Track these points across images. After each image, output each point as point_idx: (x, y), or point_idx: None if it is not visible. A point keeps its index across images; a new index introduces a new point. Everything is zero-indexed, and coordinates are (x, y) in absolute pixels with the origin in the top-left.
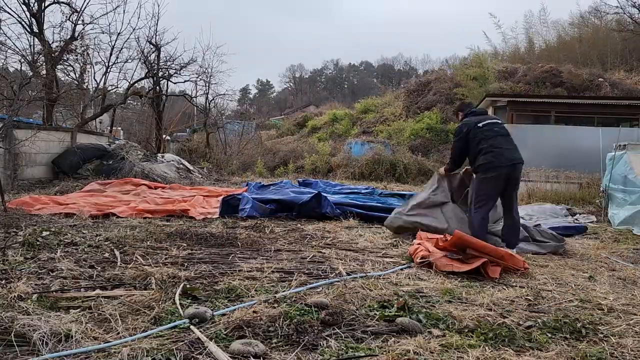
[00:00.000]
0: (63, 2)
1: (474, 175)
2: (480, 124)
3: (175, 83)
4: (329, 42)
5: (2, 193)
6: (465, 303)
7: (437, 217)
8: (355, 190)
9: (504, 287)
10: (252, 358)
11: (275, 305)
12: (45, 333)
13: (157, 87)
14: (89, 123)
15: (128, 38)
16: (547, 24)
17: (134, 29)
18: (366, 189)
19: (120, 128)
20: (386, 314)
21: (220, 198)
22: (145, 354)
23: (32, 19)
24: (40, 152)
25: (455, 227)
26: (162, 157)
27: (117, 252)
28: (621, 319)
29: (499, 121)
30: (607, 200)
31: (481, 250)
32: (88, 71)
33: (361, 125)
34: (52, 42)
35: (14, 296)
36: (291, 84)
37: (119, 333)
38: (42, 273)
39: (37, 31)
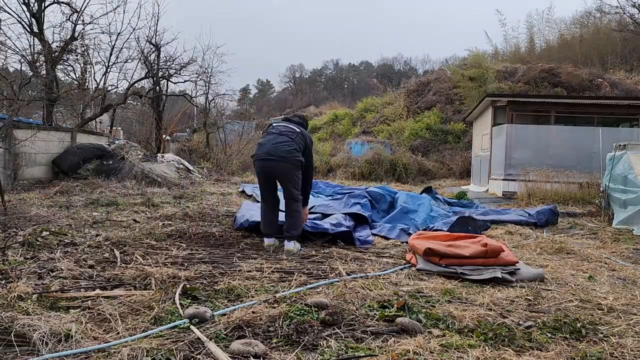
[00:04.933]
0: (63, 2)
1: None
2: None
3: (175, 83)
4: (329, 41)
5: (2, 193)
6: (465, 303)
7: None
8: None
9: (504, 287)
10: (252, 358)
11: (275, 305)
12: (45, 333)
13: (157, 87)
14: (89, 123)
15: (128, 38)
16: (550, 22)
17: (134, 29)
18: (365, 189)
19: (120, 128)
20: (386, 314)
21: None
22: (145, 354)
23: (32, 19)
24: (40, 152)
25: None
26: (162, 157)
27: (117, 252)
28: (621, 319)
29: (292, 126)
30: (607, 200)
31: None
32: (88, 71)
33: (361, 125)
34: (52, 42)
35: (14, 296)
36: (291, 84)
37: (119, 333)
38: (42, 273)
39: (37, 31)
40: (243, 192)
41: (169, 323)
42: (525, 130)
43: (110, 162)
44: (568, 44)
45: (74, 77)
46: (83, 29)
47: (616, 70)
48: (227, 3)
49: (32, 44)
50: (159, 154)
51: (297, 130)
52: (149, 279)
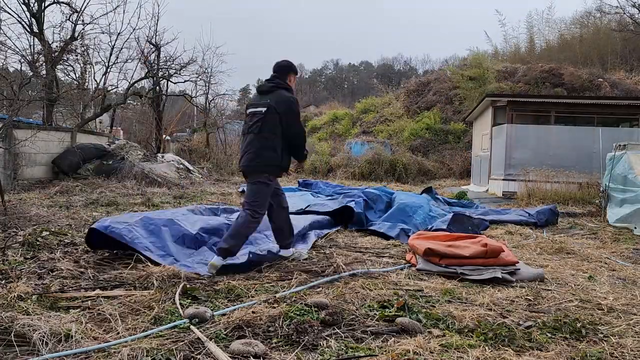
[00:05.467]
0: (63, 2)
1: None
2: (248, 110)
3: (175, 83)
4: (329, 41)
5: (2, 193)
6: (465, 303)
7: None
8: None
9: (504, 287)
10: (252, 358)
11: (275, 305)
12: (45, 333)
13: (157, 87)
14: (89, 123)
15: (128, 38)
16: (550, 22)
17: (134, 29)
18: (363, 189)
19: (120, 128)
20: (386, 314)
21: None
22: (145, 354)
23: (32, 19)
24: (40, 152)
25: None
26: (162, 157)
27: (117, 252)
28: (621, 319)
29: (263, 108)
30: (607, 200)
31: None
32: (88, 71)
33: (361, 125)
34: (52, 42)
35: (14, 296)
36: None
37: (119, 333)
38: (42, 273)
39: (37, 31)
40: (243, 192)
41: (169, 323)
42: (525, 130)
43: (110, 162)
44: (568, 44)
45: (74, 77)
46: (83, 29)
47: (616, 70)
48: (227, 3)
49: (32, 44)
50: (159, 154)
51: (267, 103)
52: (149, 279)
